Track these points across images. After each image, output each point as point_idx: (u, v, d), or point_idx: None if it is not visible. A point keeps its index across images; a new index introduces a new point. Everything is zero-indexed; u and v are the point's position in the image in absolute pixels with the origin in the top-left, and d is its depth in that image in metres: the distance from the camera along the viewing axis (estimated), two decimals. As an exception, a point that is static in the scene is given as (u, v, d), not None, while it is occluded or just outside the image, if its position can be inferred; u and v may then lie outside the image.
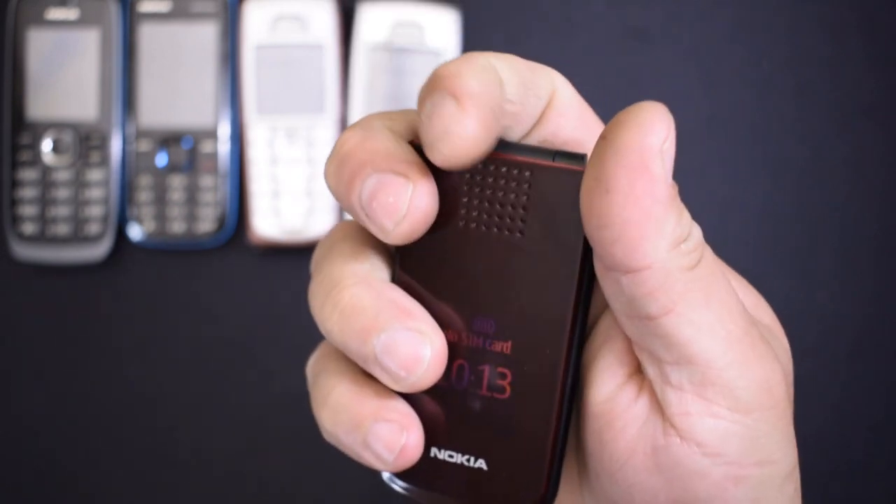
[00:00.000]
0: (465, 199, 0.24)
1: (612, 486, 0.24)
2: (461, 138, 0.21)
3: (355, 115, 0.50)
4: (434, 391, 0.25)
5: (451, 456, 0.26)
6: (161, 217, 0.52)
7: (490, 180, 0.24)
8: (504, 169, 0.24)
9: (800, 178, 0.53)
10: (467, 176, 0.24)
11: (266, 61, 0.51)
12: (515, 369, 0.25)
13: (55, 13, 0.52)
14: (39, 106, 0.52)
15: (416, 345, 0.23)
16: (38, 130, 0.52)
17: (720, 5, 0.53)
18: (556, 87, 0.24)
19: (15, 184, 0.52)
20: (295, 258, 0.53)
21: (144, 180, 0.52)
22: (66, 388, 0.53)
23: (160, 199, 0.52)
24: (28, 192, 0.52)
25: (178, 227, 0.52)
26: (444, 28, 0.50)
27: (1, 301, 0.53)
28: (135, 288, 0.53)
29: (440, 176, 0.24)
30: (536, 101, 0.24)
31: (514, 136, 0.24)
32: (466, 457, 0.26)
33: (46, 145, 0.51)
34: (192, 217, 0.52)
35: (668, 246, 0.21)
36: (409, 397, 0.25)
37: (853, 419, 0.52)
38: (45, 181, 0.52)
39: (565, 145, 0.25)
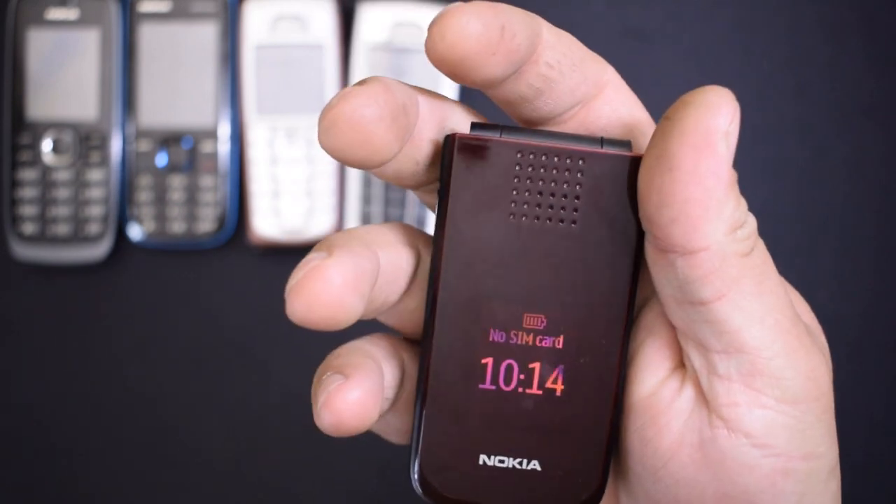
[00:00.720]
0: (514, 192, 0.24)
1: (654, 485, 0.23)
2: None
3: (355, 115, 0.50)
4: (480, 396, 0.25)
5: (501, 461, 0.25)
6: (161, 217, 0.52)
7: (540, 170, 0.24)
8: (555, 158, 0.23)
9: (800, 178, 0.53)
10: (516, 168, 0.23)
11: (266, 61, 0.51)
12: (569, 364, 0.25)
13: (55, 13, 0.52)
14: (39, 106, 0.52)
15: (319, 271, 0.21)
16: (38, 130, 0.52)
17: (720, 5, 0.53)
18: (608, 76, 0.24)
19: (15, 184, 0.52)
20: (295, 258, 0.52)
21: (144, 180, 0.52)
22: (66, 387, 0.53)
23: (160, 199, 0.52)
24: (28, 192, 0.52)
25: (178, 227, 0.52)
26: (444, 28, 0.50)
27: (1, 301, 0.53)
28: (135, 288, 0.53)
29: (486, 168, 0.23)
30: (581, 78, 0.23)
31: (548, 107, 0.24)
32: (519, 460, 0.25)
33: (46, 145, 0.51)
34: (192, 217, 0.52)
35: (727, 229, 0.21)
36: (451, 405, 0.25)
37: (853, 419, 0.52)
38: (45, 181, 0.52)
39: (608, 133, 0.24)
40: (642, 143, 0.24)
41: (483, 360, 0.25)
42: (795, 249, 0.52)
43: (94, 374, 0.53)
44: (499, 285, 0.24)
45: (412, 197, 0.50)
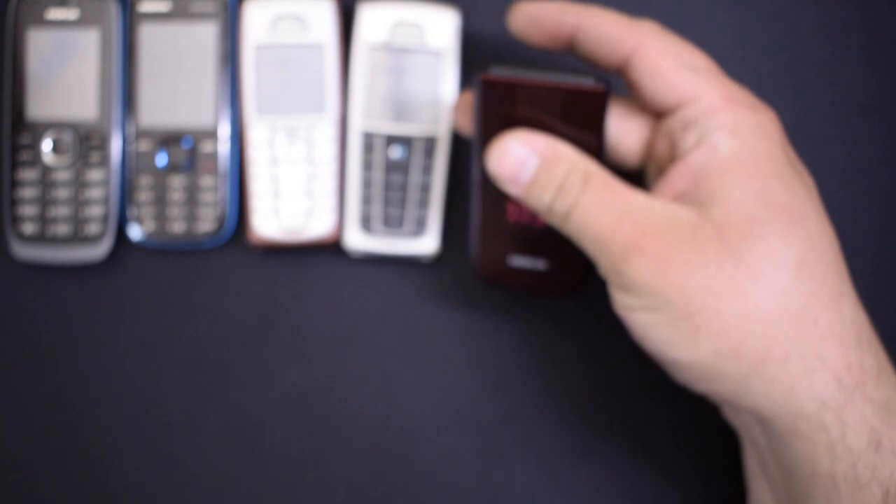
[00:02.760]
0: (519, 108, 0.40)
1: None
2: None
3: (355, 115, 0.50)
4: (510, 223, 0.44)
5: (521, 261, 0.45)
6: (161, 217, 0.52)
7: (533, 98, 0.39)
8: (543, 93, 0.39)
9: (800, 178, 0.53)
10: (518, 95, 0.40)
11: (266, 61, 0.51)
12: None
13: (55, 13, 0.52)
14: (39, 106, 0.52)
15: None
16: (38, 130, 0.52)
17: (720, 5, 0.53)
18: (635, 43, 0.40)
19: (15, 184, 0.52)
20: (295, 258, 0.53)
21: (144, 180, 0.52)
22: (66, 388, 0.53)
23: (160, 199, 0.52)
24: (28, 192, 0.52)
25: (178, 227, 0.52)
26: (444, 28, 0.50)
27: (1, 301, 0.53)
28: (135, 288, 0.53)
29: (501, 95, 0.40)
30: (611, 49, 0.41)
31: (601, 65, 0.41)
32: (532, 260, 0.44)
33: (46, 145, 0.51)
34: (192, 217, 0.52)
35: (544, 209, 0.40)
36: (493, 228, 0.44)
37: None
38: (45, 181, 0.52)
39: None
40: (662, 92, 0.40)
41: (510, 205, 0.43)
42: (795, 249, 0.52)
43: (93, 375, 0.53)
44: None
45: (412, 197, 0.50)
